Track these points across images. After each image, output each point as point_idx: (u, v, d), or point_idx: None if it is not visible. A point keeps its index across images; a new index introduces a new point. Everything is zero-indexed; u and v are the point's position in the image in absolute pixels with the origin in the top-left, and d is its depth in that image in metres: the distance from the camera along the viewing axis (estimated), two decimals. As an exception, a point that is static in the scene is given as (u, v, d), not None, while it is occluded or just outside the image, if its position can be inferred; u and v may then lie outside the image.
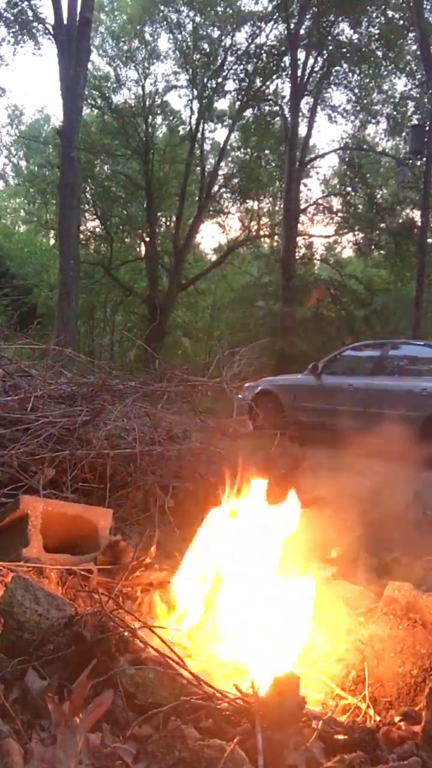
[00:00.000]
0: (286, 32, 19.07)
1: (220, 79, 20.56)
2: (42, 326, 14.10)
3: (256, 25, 19.78)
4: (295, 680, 1.44)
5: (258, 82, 20.49)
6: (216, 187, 22.31)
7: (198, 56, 20.46)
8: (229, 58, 20.31)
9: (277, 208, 24.71)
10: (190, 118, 21.58)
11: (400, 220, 20.64)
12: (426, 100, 17.42)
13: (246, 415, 6.83)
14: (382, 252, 21.47)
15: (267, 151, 22.53)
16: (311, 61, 19.63)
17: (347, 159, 21.29)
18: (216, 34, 20.40)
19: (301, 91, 19.39)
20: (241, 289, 21.56)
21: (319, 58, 19.71)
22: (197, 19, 20.43)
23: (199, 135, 21.31)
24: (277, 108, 20.95)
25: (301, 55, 19.32)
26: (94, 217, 23.52)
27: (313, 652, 1.94)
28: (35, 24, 17.26)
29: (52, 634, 1.55)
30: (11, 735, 1.24)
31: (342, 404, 7.92)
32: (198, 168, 21.51)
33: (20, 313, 13.97)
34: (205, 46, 20.41)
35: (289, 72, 19.50)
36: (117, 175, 22.33)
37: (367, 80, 20.25)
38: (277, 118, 21.07)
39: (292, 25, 18.70)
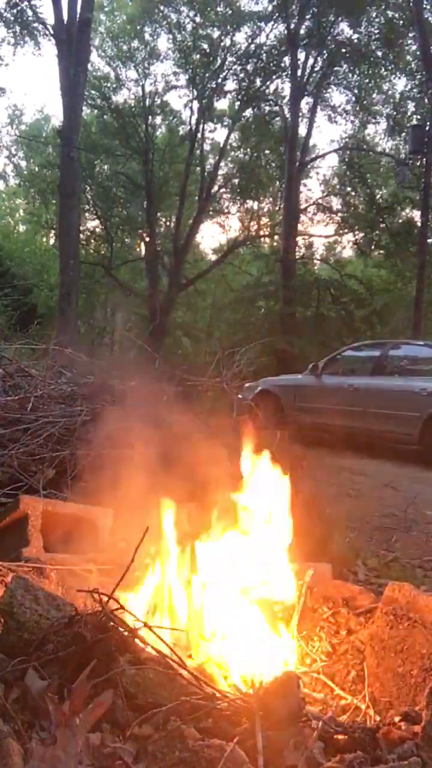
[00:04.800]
0: (286, 32, 19.07)
1: (219, 79, 20.57)
2: (42, 326, 14.11)
3: (256, 25, 19.80)
4: (295, 680, 1.44)
5: (258, 82, 20.49)
6: (216, 187, 22.33)
7: (198, 56, 20.45)
8: (229, 58, 20.31)
9: (277, 208, 24.72)
10: (190, 118, 21.60)
11: (400, 220, 20.64)
12: (426, 100, 17.42)
13: (246, 415, 6.82)
14: (382, 252, 21.47)
15: (267, 151, 22.53)
16: (311, 61, 19.65)
17: (347, 159, 21.29)
18: (216, 34, 20.40)
19: (301, 91, 19.39)
20: (241, 289, 21.56)
21: (319, 58, 19.72)
22: (197, 19, 20.43)
23: (198, 135, 21.33)
24: (277, 108, 20.96)
25: (301, 55, 19.34)
26: (94, 217, 23.52)
27: (312, 652, 1.94)
28: (35, 24, 17.25)
29: (52, 634, 1.55)
30: (11, 735, 1.24)
31: (342, 404, 7.92)
32: (198, 168, 21.52)
33: (20, 313, 14.03)
34: (205, 46, 20.40)
35: (289, 72, 19.50)
36: (117, 175, 22.32)
37: (367, 80, 20.23)
38: (277, 118, 21.08)
39: (292, 25, 18.70)
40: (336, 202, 22.50)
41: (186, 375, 4.56)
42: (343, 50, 19.30)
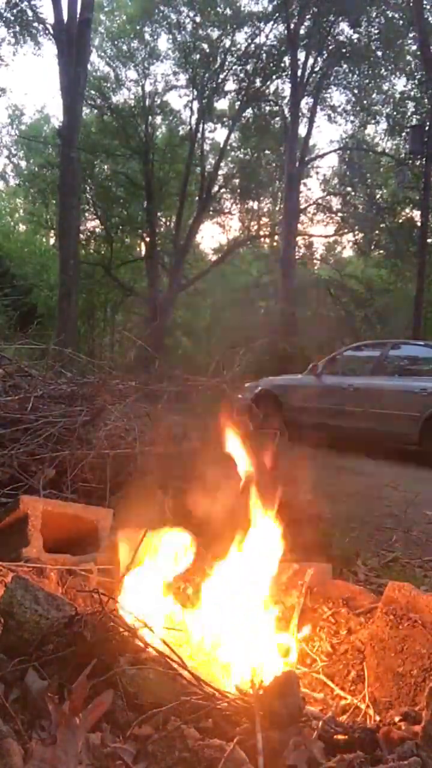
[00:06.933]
0: (286, 32, 19.08)
1: (219, 79, 20.58)
2: (42, 326, 14.12)
3: (255, 26, 19.79)
4: (295, 680, 1.44)
5: (258, 82, 20.50)
6: (216, 187, 22.33)
7: (198, 56, 20.45)
8: (229, 58, 20.32)
9: (277, 208, 24.73)
10: (190, 118, 21.62)
11: (400, 220, 20.64)
12: (426, 100, 17.43)
13: (246, 415, 6.81)
14: (382, 252, 21.47)
15: (267, 151, 22.54)
16: (311, 61, 19.67)
17: (347, 159, 21.30)
18: (216, 34, 20.41)
19: (301, 91, 19.39)
20: (241, 289, 21.58)
21: (319, 58, 19.73)
22: (197, 19, 20.43)
23: (199, 135, 21.33)
24: (277, 108, 20.97)
25: (301, 55, 19.35)
26: (94, 217, 23.53)
27: (313, 652, 1.94)
28: (35, 24, 17.27)
29: (52, 634, 1.54)
30: (11, 735, 1.24)
31: (342, 404, 7.92)
32: (198, 168, 21.52)
33: (20, 313, 14.03)
34: (205, 46, 20.40)
35: (289, 72, 19.51)
36: (117, 175, 22.33)
37: (367, 80, 20.25)
38: (277, 118, 21.09)
39: (292, 25, 18.70)
40: (336, 202, 22.56)
41: (186, 375, 4.57)
42: (343, 50, 19.31)
